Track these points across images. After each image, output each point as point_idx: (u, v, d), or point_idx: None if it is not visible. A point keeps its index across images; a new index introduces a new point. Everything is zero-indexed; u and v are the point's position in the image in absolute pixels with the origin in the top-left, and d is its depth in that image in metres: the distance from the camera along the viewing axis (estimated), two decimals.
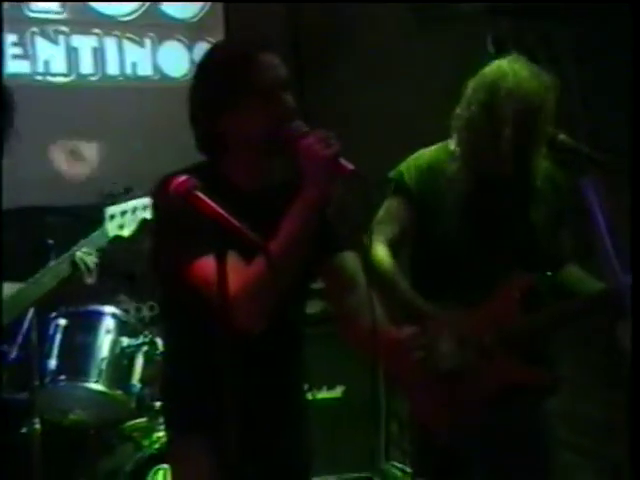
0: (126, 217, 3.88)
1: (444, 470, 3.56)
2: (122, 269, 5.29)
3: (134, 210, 3.91)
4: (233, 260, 2.63)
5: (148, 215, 3.83)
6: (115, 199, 3.98)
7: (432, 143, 3.68)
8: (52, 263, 3.92)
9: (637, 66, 3.60)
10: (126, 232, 3.89)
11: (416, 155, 3.64)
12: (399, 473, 5.21)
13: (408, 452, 3.90)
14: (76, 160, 5.10)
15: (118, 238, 3.87)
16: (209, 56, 3.05)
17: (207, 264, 2.68)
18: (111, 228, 3.89)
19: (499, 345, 3.49)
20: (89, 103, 6.34)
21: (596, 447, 4.93)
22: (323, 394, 5.61)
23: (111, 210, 3.97)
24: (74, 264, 3.86)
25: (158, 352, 4.74)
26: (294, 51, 6.49)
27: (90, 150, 6.15)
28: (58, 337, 4.74)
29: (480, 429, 3.47)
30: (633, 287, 3.26)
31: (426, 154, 3.64)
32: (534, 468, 3.57)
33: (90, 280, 3.80)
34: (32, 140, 6.01)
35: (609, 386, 4.76)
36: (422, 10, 5.83)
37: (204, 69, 3.00)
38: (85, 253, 3.86)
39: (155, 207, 3.00)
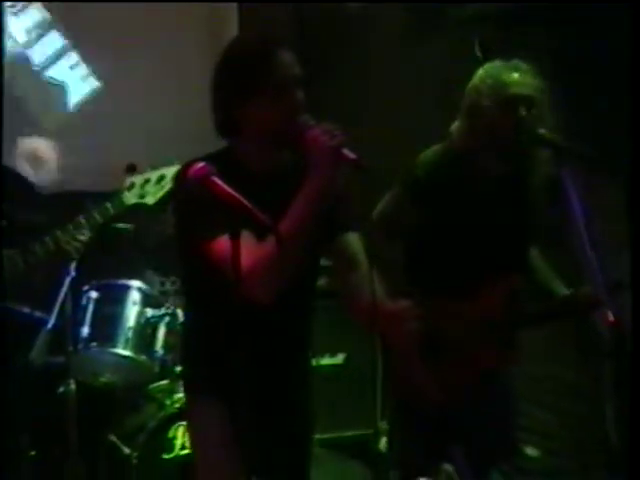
0: (149, 186, 3.67)
1: (423, 419, 3.58)
2: (150, 246, 5.27)
3: (160, 179, 3.64)
4: (246, 239, 2.65)
5: None
6: (136, 171, 3.75)
7: (427, 138, 3.64)
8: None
9: (636, 66, 3.56)
10: (150, 200, 3.63)
11: (424, 154, 3.59)
12: None
13: (392, 405, 3.87)
14: None
15: (140, 206, 3.66)
16: (232, 48, 3.03)
17: (223, 243, 2.70)
18: (129, 197, 3.65)
19: (482, 335, 3.50)
20: None
21: (564, 405, 4.93)
22: (326, 360, 5.62)
23: (130, 179, 3.76)
24: (57, 243, 3.59)
25: (179, 322, 4.75)
26: (302, 54, 6.46)
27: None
28: (90, 308, 4.77)
29: (460, 399, 3.49)
30: (633, 287, 3.25)
31: (433, 153, 3.58)
32: (497, 417, 3.62)
33: (75, 256, 3.55)
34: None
35: (578, 352, 4.76)
36: (418, 16, 5.81)
37: (226, 60, 2.99)
38: (70, 237, 3.59)
39: (176, 191, 3.00)
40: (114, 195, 3.60)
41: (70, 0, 6.21)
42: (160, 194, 3.67)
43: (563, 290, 3.62)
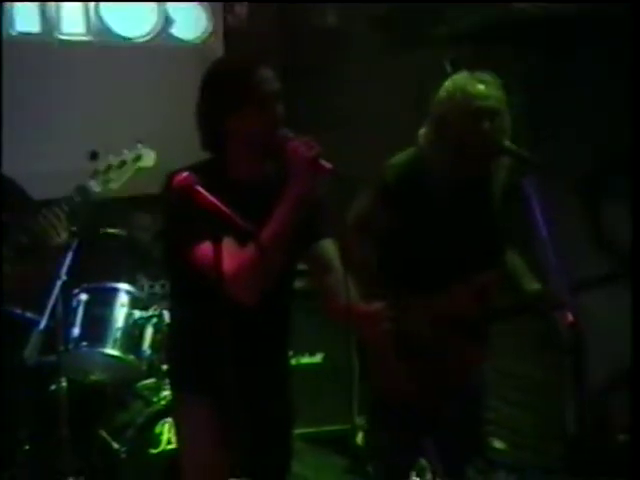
0: (111, 172, 3.64)
1: (399, 415, 3.56)
2: (141, 251, 5.29)
3: (122, 164, 3.65)
4: (228, 245, 2.69)
5: (145, 164, 3.66)
6: (98, 157, 3.74)
7: (400, 145, 3.60)
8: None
9: (636, 70, 3.57)
10: (114, 186, 3.57)
11: (395, 160, 3.55)
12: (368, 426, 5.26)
13: (369, 402, 3.89)
14: None
15: (105, 192, 3.64)
16: (216, 67, 3.07)
17: (206, 248, 2.73)
18: (94, 184, 3.63)
19: (456, 331, 3.49)
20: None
21: (527, 400, 4.98)
22: (305, 359, 5.66)
23: (94, 167, 3.71)
24: (34, 232, 3.50)
25: (165, 323, 4.76)
26: (284, 68, 6.47)
27: None
28: (80, 310, 4.78)
29: (431, 392, 3.52)
30: (633, 286, 3.28)
31: (403, 159, 3.55)
32: (469, 415, 3.62)
33: (59, 240, 3.54)
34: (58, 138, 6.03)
35: (540, 350, 4.80)
36: (393, 35, 5.85)
37: (211, 78, 3.02)
38: (53, 213, 3.51)
39: (163, 199, 3.00)
40: (77, 186, 3.60)
41: (72, 0, 6.11)
42: (123, 179, 3.67)
43: (533, 286, 3.62)
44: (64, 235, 3.47)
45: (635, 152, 3.46)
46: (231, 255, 2.73)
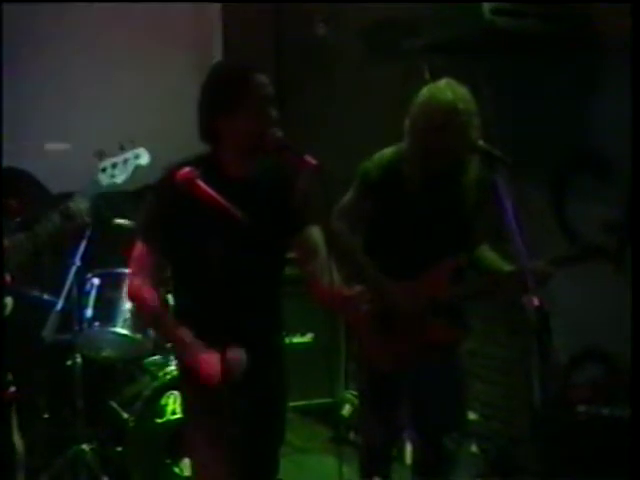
0: (117, 168, 3.73)
1: (382, 392, 3.60)
2: None
3: (125, 161, 3.76)
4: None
5: (142, 161, 3.80)
6: (105, 155, 3.84)
7: (381, 148, 3.60)
8: (50, 215, 3.71)
9: (636, 68, 3.54)
10: (119, 180, 3.74)
11: (379, 154, 3.57)
12: (354, 398, 5.27)
13: (357, 379, 3.88)
14: None
15: (112, 185, 3.74)
16: (216, 70, 3.05)
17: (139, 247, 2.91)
18: (103, 178, 3.75)
19: (431, 310, 3.49)
20: None
21: (498, 378, 4.99)
22: (297, 339, 5.67)
23: (102, 164, 3.80)
24: (68, 212, 3.66)
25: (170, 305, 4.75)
26: (278, 76, 6.46)
27: None
28: (93, 293, 4.78)
29: (411, 366, 3.51)
30: (633, 283, 3.28)
31: (386, 153, 3.56)
32: (448, 392, 3.60)
33: (87, 220, 3.69)
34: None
35: (510, 333, 4.81)
36: (376, 47, 5.84)
37: (211, 80, 2.99)
38: (77, 202, 3.68)
39: (156, 191, 3.00)
40: (91, 179, 3.73)
41: (78, 0, 6.04)
42: (125, 174, 3.81)
43: (506, 267, 3.61)
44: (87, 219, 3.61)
45: (635, 151, 3.43)
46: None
